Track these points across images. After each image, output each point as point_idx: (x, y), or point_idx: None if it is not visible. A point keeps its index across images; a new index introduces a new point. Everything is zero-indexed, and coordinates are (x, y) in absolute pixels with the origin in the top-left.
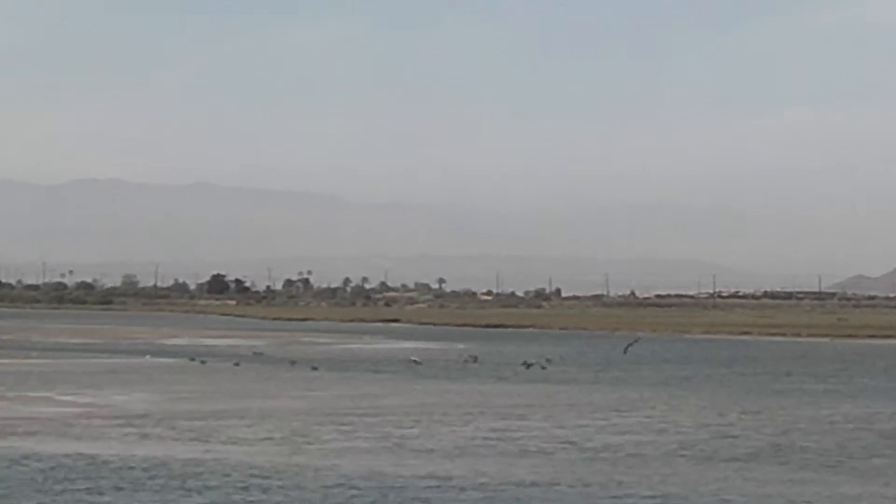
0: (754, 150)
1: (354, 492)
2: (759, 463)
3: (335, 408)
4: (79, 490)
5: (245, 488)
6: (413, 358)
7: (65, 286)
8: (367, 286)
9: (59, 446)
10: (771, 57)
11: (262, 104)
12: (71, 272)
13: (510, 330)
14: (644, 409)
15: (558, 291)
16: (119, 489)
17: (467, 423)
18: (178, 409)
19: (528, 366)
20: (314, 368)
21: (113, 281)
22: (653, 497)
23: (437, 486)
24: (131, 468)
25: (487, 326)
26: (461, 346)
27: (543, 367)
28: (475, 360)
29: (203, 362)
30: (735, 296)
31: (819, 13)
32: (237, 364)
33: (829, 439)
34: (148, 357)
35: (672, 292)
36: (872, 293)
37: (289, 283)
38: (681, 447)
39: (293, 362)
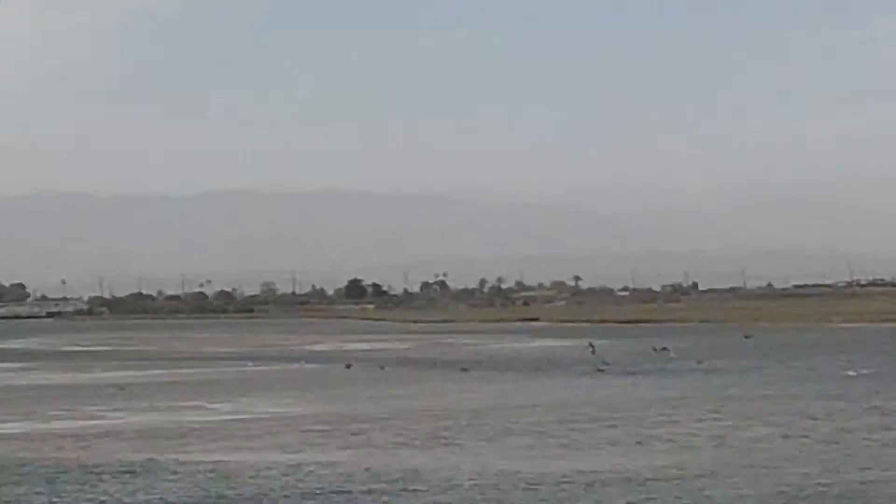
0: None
1: (505, 491)
2: None
3: (486, 406)
4: (242, 499)
5: (399, 493)
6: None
7: (205, 296)
8: (503, 286)
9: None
10: None
11: (381, 110)
12: (209, 282)
13: (651, 325)
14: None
15: (695, 285)
16: (285, 497)
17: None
18: (331, 413)
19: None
20: (464, 370)
21: (251, 289)
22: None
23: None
24: (288, 475)
25: (625, 322)
26: (606, 342)
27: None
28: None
29: (348, 366)
30: (874, 283)
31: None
32: (382, 367)
33: None
34: (303, 363)
35: (809, 282)
36: None
37: (425, 285)
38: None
39: (439, 364)
